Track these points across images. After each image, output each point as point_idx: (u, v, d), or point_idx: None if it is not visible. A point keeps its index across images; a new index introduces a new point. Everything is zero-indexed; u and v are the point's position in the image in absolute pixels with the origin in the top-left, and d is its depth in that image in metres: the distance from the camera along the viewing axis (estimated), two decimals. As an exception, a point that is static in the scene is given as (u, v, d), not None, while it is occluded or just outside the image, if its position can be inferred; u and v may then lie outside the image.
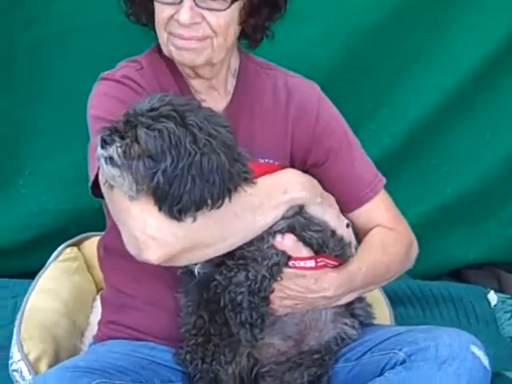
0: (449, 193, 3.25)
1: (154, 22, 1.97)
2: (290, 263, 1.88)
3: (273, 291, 1.86)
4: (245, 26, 1.99)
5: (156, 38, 2.02)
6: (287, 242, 1.88)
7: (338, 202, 2.11)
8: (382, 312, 2.56)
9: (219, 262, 1.86)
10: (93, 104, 1.98)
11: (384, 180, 2.18)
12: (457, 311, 2.87)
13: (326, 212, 1.96)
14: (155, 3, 1.93)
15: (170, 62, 2.03)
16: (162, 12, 1.92)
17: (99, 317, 2.26)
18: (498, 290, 3.14)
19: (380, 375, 1.87)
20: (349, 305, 2.01)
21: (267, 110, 2.08)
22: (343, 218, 2.04)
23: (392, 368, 1.85)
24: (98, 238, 2.45)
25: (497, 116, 3.20)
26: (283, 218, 1.87)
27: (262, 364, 1.99)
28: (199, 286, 1.95)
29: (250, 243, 1.84)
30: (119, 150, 1.72)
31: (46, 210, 3.01)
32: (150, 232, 1.76)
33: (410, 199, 3.16)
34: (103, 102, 1.95)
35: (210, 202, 1.75)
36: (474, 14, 3.04)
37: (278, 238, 1.87)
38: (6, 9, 2.81)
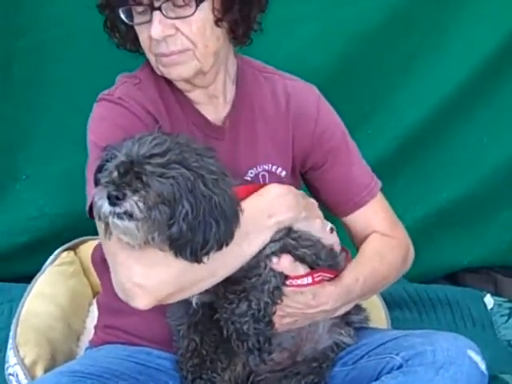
0: (445, 197, 3.26)
1: (140, 47, 1.96)
2: (288, 282, 1.87)
3: (274, 312, 1.86)
4: (223, 24, 1.93)
5: None
6: (284, 263, 1.87)
7: (334, 205, 2.13)
8: (379, 315, 2.56)
9: (217, 291, 1.85)
10: (92, 128, 1.97)
11: (380, 183, 2.18)
12: (453, 315, 2.87)
13: (311, 224, 1.95)
14: (135, 27, 1.92)
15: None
16: (141, 33, 1.91)
17: (95, 321, 2.26)
18: (495, 294, 3.14)
19: (377, 379, 1.86)
20: (345, 314, 2.01)
21: (268, 116, 2.08)
22: (326, 223, 2.02)
23: (389, 372, 1.85)
24: (94, 242, 2.46)
25: (494, 121, 3.21)
26: (272, 240, 1.86)
27: (258, 373, 1.99)
28: (187, 310, 1.96)
29: (247, 274, 1.83)
30: (139, 203, 1.66)
31: (42, 214, 3.00)
32: (137, 280, 1.76)
33: (407, 203, 3.17)
34: (102, 127, 1.94)
35: (230, 239, 1.75)
36: (470, 19, 3.04)
37: (274, 259, 1.86)
38: (2, 15, 2.79)
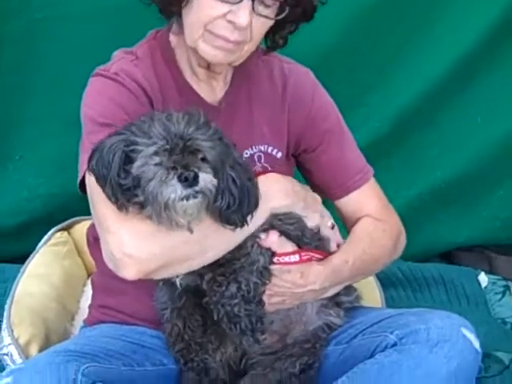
0: (440, 176, 3.26)
1: (180, 8, 1.90)
2: (275, 259, 1.88)
3: (263, 292, 1.86)
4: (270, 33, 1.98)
5: (160, 22, 2.00)
6: (272, 238, 1.88)
7: (326, 188, 2.13)
8: (373, 294, 2.57)
9: (202, 273, 1.85)
10: (87, 102, 1.95)
11: (373, 171, 2.18)
12: (448, 293, 2.88)
13: (309, 217, 1.96)
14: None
15: (165, 52, 2.02)
16: (211, 8, 1.84)
17: (89, 301, 2.26)
18: (489, 272, 3.15)
19: (371, 357, 1.87)
20: (334, 295, 2.01)
21: (264, 98, 2.08)
22: (328, 219, 2.04)
23: (383, 350, 1.86)
24: (87, 222, 2.46)
25: (488, 100, 3.20)
26: None
27: (250, 356, 1.99)
28: (171, 295, 1.96)
29: (235, 254, 1.83)
30: (210, 178, 1.68)
31: (36, 195, 2.99)
32: (127, 250, 1.76)
33: (401, 182, 3.18)
34: (98, 102, 1.92)
35: (258, 203, 1.79)
36: (462, 2, 3.03)
37: (262, 235, 1.87)
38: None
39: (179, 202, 1.66)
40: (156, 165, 1.67)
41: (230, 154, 1.76)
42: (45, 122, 2.97)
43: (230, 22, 1.84)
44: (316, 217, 1.99)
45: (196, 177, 1.66)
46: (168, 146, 1.68)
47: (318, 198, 2.06)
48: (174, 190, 1.65)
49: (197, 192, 1.66)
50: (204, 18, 1.85)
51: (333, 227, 2.04)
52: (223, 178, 1.72)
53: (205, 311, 1.93)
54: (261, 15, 1.86)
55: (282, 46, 2.04)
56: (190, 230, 1.74)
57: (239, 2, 1.82)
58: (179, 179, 1.65)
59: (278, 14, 1.90)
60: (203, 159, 1.70)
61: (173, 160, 1.67)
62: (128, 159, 1.71)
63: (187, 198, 1.66)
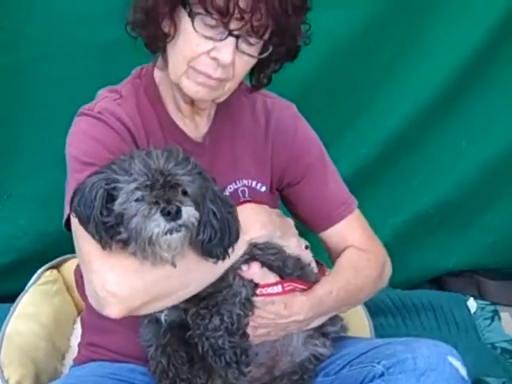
0: (426, 201, 3.27)
1: (165, 43, 1.91)
2: (258, 291, 1.89)
3: (247, 324, 1.87)
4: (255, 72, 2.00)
5: (145, 59, 2.02)
6: (254, 269, 1.89)
7: (311, 220, 2.15)
8: (361, 323, 2.57)
9: (186, 308, 1.86)
10: (71, 142, 1.97)
11: (356, 202, 2.19)
12: (437, 320, 2.88)
13: (287, 244, 1.98)
14: (190, 34, 1.85)
15: (150, 89, 2.03)
16: (196, 45, 1.86)
17: (79, 339, 2.26)
18: (478, 297, 3.16)
19: (359, 388, 1.87)
20: (320, 325, 2.01)
21: (248, 133, 2.11)
22: (302, 241, 2.05)
23: (371, 381, 1.86)
24: (77, 260, 2.45)
25: (472, 124, 3.22)
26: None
27: None
28: (156, 333, 1.96)
29: (217, 287, 1.84)
30: (193, 212, 1.69)
31: (24, 234, 2.98)
32: (110, 288, 1.76)
33: (388, 208, 3.19)
34: (82, 141, 1.94)
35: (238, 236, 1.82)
36: (446, 25, 3.05)
37: (244, 267, 1.88)
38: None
39: (163, 236, 1.67)
40: (137, 200, 1.69)
41: (210, 188, 1.78)
42: (33, 160, 2.96)
43: (213, 58, 1.85)
44: (294, 241, 2.01)
45: (179, 210, 1.67)
46: (149, 182, 1.70)
47: (291, 222, 2.07)
48: (157, 224, 1.66)
49: (180, 226, 1.67)
50: (189, 53, 1.87)
51: (307, 248, 2.05)
52: (204, 212, 1.74)
53: (190, 347, 1.93)
54: (244, 53, 1.88)
55: (266, 85, 2.06)
56: (174, 265, 1.75)
57: (223, 39, 1.84)
58: (162, 213, 1.66)
59: (261, 53, 1.92)
60: (184, 193, 1.71)
61: (154, 195, 1.68)
62: (110, 197, 1.72)
63: (171, 232, 1.67)
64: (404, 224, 3.24)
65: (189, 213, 1.68)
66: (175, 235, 1.68)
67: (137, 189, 1.69)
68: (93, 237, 1.75)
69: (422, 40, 3.08)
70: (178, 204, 1.67)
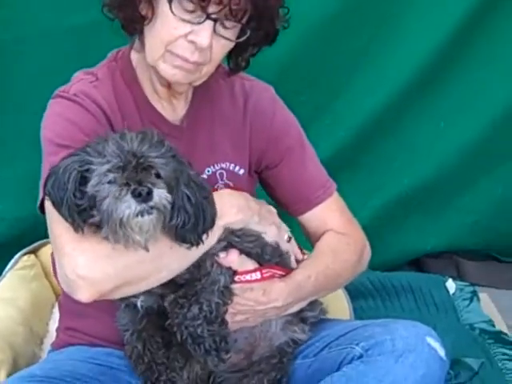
0: (406, 183, 3.28)
1: (142, 26, 1.89)
2: (236, 278, 1.88)
3: (225, 311, 1.86)
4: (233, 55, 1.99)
5: (122, 42, 2.00)
6: (232, 257, 1.88)
7: (289, 204, 2.15)
8: (341, 306, 2.58)
9: (162, 294, 1.85)
10: (46, 125, 1.95)
11: (335, 185, 2.19)
12: (416, 301, 2.89)
13: (266, 230, 1.97)
14: (167, 17, 1.83)
15: (126, 72, 2.02)
16: (174, 28, 1.84)
17: (57, 323, 2.24)
18: (458, 278, 3.17)
19: (338, 370, 1.87)
20: (299, 311, 2.01)
21: (226, 115, 2.09)
22: (284, 232, 2.04)
23: (349, 363, 1.86)
24: (54, 244, 2.43)
25: (450, 106, 3.23)
26: (218, 240, 1.88)
27: (217, 374, 1.99)
28: (133, 318, 1.95)
29: (194, 275, 1.83)
30: (165, 194, 1.68)
31: (1, 219, 2.95)
32: (80, 272, 1.75)
33: (367, 191, 3.20)
34: (57, 123, 1.92)
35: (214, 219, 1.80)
36: (423, 8, 3.05)
37: (222, 254, 1.87)
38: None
39: (134, 218, 1.66)
40: (110, 182, 1.68)
41: (185, 172, 1.76)
42: (9, 145, 2.93)
43: (191, 42, 1.84)
44: (273, 230, 1.99)
45: (150, 192, 1.66)
46: (121, 164, 1.68)
47: (274, 210, 2.06)
48: (128, 205, 1.65)
49: (151, 208, 1.66)
50: (166, 37, 1.86)
51: (289, 240, 2.04)
52: (178, 196, 1.72)
53: (166, 333, 1.92)
54: (222, 37, 1.87)
55: (245, 68, 2.04)
56: (146, 249, 1.73)
57: (201, 23, 1.82)
58: (133, 195, 1.65)
59: (239, 37, 1.91)
60: (157, 176, 1.70)
61: (125, 177, 1.67)
62: (83, 179, 1.71)
63: (142, 214, 1.66)
64: (383, 206, 3.25)
65: (160, 195, 1.67)
66: (146, 217, 1.67)
67: (109, 171, 1.68)
68: (66, 220, 1.74)
69: (399, 22, 3.07)
70: (149, 186, 1.66)
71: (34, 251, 2.74)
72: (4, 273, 2.63)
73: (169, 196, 1.68)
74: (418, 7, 3.06)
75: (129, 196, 1.65)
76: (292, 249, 2.04)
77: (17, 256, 2.69)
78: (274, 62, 2.80)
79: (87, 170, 1.71)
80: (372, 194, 3.22)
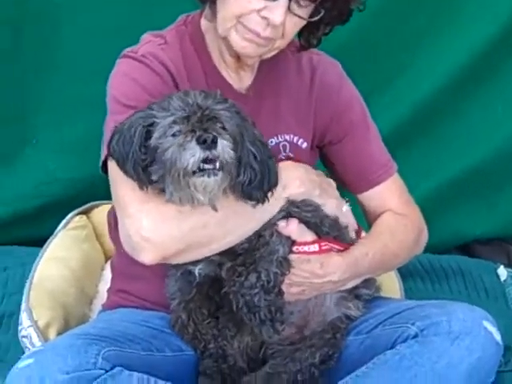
0: (459, 167, 3.23)
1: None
2: (294, 248, 1.87)
3: (282, 282, 1.85)
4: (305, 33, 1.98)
5: (191, 7, 1.99)
6: (292, 226, 1.87)
7: (349, 181, 2.14)
8: (392, 285, 2.56)
9: (221, 262, 1.85)
10: (113, 83, 1.95)
11: (396, 166, 2.17)
12: (466, 285, 2.86)
13: (326, 202, 1.95)
14: None
15: (195, 37, 2.01)
16: (248, 2, 1.83)
17: (108, 285, 2.26)
18: (508, 265, 3.13)
19: (392, 348, 1.86)
20: (353, 287, 2.00)
21: (292, 88, 2.08)
22: (343, 205, 2.02)
23: (404, 341, 1.85)
24: (107, 206, 2.45)
25: (509, 90, 3.17)
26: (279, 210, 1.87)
27: (269, 346, 1.98)
28: (182, 287, 1.95)
29: (254, 243, 1.83)
30: (229, 146, 1.67)
31: (54, 179, 2.98)
32: (145, 234, 1.75)
33: (421, 173, 3.15)
34: (123, 83, 1.92)
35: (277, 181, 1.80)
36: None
37: (282, 223, 1.86)
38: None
39: (199, 178, 1.65)
40: (174, 134, 1.67)
41: (249, 129, 1.75)
42: (63, 105, 2.96)
43: (263, 17, 1.83)
44: (332, 203, 1.98)
45: (215, 140, 1.64)
46: (186, 114, 1.68)
47: (333, 183, 2.05)
48: (192, 153, 1.64)
49: (215, 167, 1.65)
50: (239, 10, 1.84)
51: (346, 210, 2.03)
52: (244, 153, 1.72)
53: (214, 304, 1.93)
54: (295, 15, 1.85)
55: (316, 46, 2.03)
56: (214, 208, 1.73)
57: (276, 0, 1.81)
58: (198, 141, 1.63)
59: (312, 16, 1.89)
60: (222, 128, 1.69)
61: (191, 124, 1.66)
62: (148, 134, 1.71)
63: (208, 174, 1.65)
64: (436, 188, 3.21)
65: (224, 145, 1.66)
66: (212, 178, 1.67)
67: (174, 122, 1.68)
68: (130, 176, 1.74)
69: (461, 5, 3.03)
70: (214, 133, 1.64)
71: (85, 212, 2.77)
72: (56, 232, 2.65)
73: (231, 152, 1.67)
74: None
75: (193, 143, 1.64)
76: (349, 219, 2.02)
77: (69, 216, 2.72)
78: (334, 42, 2.77)
79: (151, 125, 1.71)
80: (425, 176, 3.17)
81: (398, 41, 3.03)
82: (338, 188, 2.08)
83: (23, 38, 2.86)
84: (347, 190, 2.15)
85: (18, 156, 3.01)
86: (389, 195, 2.14)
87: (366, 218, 2.16)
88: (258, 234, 1.84)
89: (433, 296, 2.70)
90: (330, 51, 2.19)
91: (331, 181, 2.05)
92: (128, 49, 1.99)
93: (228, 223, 1.79)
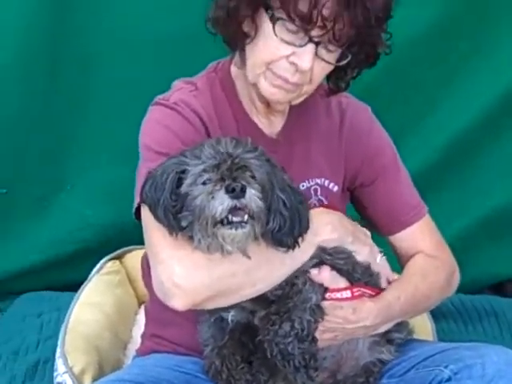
0: (489, 205, 3.23)
1: (244, 43, 1.91)
2: (327, 295, 1.87)
3: (315, 329, 1.85)
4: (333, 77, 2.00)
5: (224, 53, 2.01)
6: (324, 274, 1.88)
7: (380, 223, 2.14)
8: (425, 327, 2.55)
9: (253, 310, 1.86)
10: (145, 131, 1.98)
11: (427, 207, 2.17)
12: (500, 326, 2.83)
13: (358, 250, 1.95)
14: (270, 38, 1.84)
15: (225, 84, 2.04)
16: (276, 49, 1.85)
17: (142, 330, 2.27)
18: (541, 307, 3.10)
19: (425, 392, 1.85)
20: (386, 331, 1.99)
21: (322, 131, 2.10)
22: (377, 253, 2.02)
23: (437, 385, 1.84)
24: (139, 251, 2.48)
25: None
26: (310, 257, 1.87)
27: None
28: (215, 333, 1.96)
29: (286, 292, 1.83)
30: (257, 195, 1.67)
31: (88, 225, 3.02)
32: (177, 280, 1.77)
33: (452, 213, 3.15)
34: (156, 130, 1.95)
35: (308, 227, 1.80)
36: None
37: (314, 271, 1.87)
38: (53, 20, 2.80)
39: (227, 230, 1.67)
40: (204, 183, 1.69)
41: (279, 176, 1.77)
42: (97, 152, 3.00)
43: (292, 63, 1.85)
44: (366, 250, 1.98)
45: (244, 189, 1.65)
46: (216, 163, 1.70)
47: (368, 233, 2.05)
48: (221, 202, 1.65)
49: (243, 217, 1.66)
50: (268, 57, 1.87)
51: (381, 259, 2.03)
52: (273, 200, 1.73)
53: (247, 351, 1.93)
54: (323, 60, 1.87)
55: (344, 90, 2.04)
56: (246, 255, 1.75)
57: (303, 46, 1.83)
58: (226, 190, 1.65)
59: (339, 60, 1.91)
60: (252, 177, 1.71)
61: (220, 172, 1.68)
62: (180, 181, 1.73)
63: (236, 227, 1.67)
64: (467, 228, 3.21)
65: (252, 195, 1.67)
66: (240, 230, 1.68)
67: (204, 171, 1.70)
68: (160, 222, 1.76)
69: (494, 43, 3.05)
70: (243, 182, 1.66)
71: (118, 257, 2.80)
72: (90, 277, 2.68)
73: (260, 201, 1.68)
74: (509, 31, 3.03)
75: (222, 191, 1.65)
76: (384, 271, 2.02)
77: (102, 261, 2.75)
78: (360, 83, 2.80)
79: (183, 172, 1.73)
80: (456, 216, 3.18)
81: (423, 84, 3.05)
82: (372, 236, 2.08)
83: (60, 83, 2.90)
84: (378, 233, 2.15)
85: (53, 201, 3.05)
86: (420, 236, 2.14)
87: (398, 260, 2.16)
88: (292, 283, 1.84)
89: (466, 337, 2.69)
90: (358, 92, 2.21)
91: (366, 230, 2.05)
92: (160, 96, 2.02)
93: (258, 271, 1.79)
